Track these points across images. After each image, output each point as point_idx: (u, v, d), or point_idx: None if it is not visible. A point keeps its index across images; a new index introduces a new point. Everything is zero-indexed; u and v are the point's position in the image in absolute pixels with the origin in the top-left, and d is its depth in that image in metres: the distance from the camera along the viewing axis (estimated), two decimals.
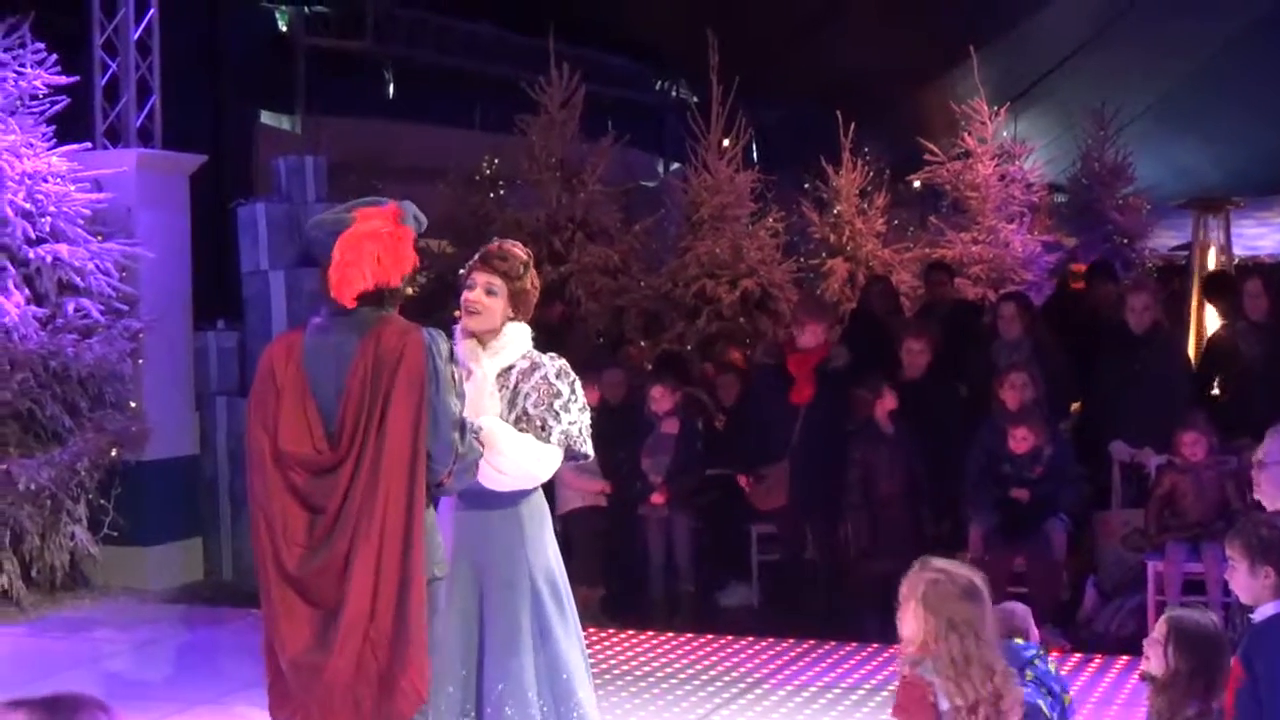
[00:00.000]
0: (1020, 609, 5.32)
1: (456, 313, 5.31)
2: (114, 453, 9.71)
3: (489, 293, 5.18)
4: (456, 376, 4.57)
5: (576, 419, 5.21)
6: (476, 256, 5.26)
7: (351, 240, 4.49)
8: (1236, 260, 14.02)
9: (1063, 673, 5.70)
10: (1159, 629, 4.71)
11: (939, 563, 4.48)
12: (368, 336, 4.45)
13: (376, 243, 4.50)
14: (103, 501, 9.79)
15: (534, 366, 5.21)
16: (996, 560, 8.25)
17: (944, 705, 4.24)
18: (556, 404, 5.15)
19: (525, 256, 5.29)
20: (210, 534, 10.58)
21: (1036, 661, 4.98)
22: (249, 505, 4.55)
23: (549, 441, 5.12)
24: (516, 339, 5.24)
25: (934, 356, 9.46)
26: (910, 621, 4.32)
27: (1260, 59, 21.98)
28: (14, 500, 9.29)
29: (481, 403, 5.06)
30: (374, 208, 4.60)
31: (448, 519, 5.04)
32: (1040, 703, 4.94)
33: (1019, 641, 5.01)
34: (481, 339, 5.21)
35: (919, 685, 4.28)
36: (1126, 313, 9.47)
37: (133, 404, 9.95)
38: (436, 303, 11.45)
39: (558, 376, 5.21)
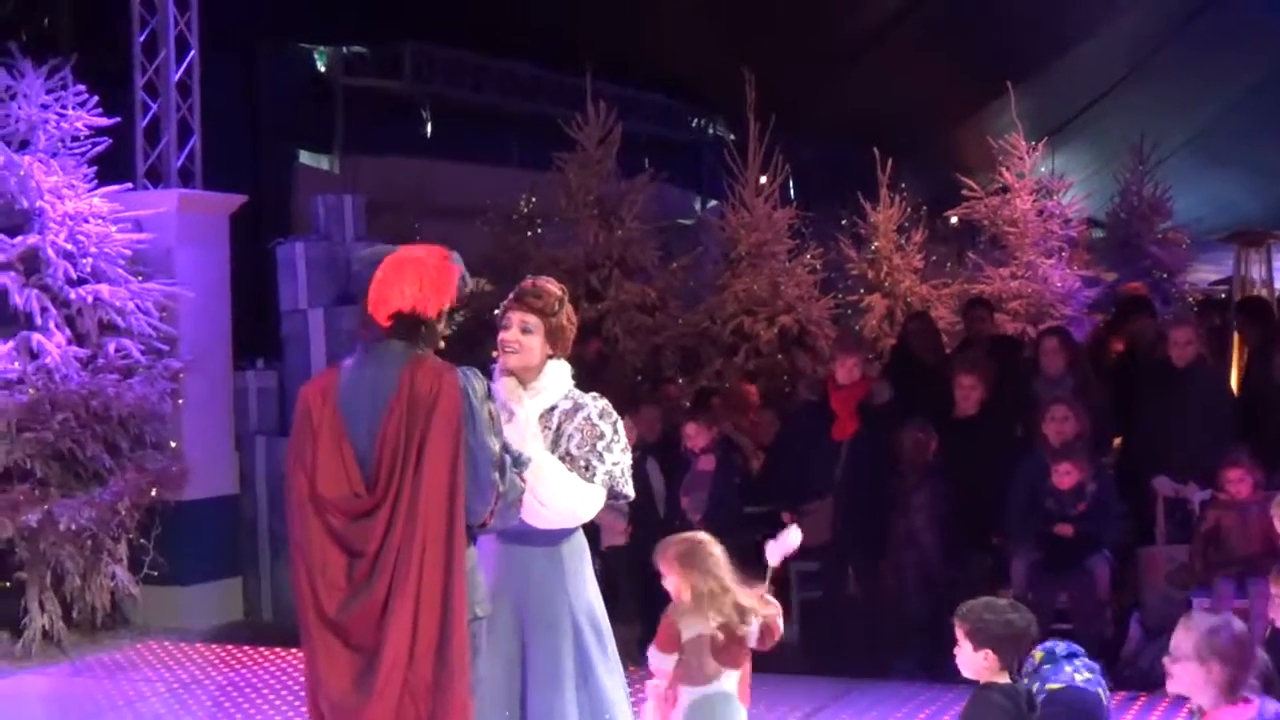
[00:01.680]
0: None
1: (495, 353, 5.29)
2: (154, 493, 9.72)
3: (525, 330, 5.15)
4: (494, 414, 4.54)
5: (619, 460, 5.19)
6: (511, 295, 5.23)
7: (394, 262, 4.50)
8: (1278, 294, 13.91)
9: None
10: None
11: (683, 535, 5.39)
12: (402, 378, 4.41)
13: (419, 268, 4.49)
14: (143, 541, 9.80)
15: (577, 407, 5.18)
16: (1040, 596, 8.16)
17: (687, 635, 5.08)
18: (600, 445, 5.13)
19: (560, 292, 5.26)
20: (250, 574, 10.57)
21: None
22: (289, 547, 4.53)
23: (593, 482, 5.09)
24: (557, 378, 5.21)
25: (986, 393, 9.38)
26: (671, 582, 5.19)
27: None
28: (55, 540, 9.31)
29: (524, 444, 5.02)
30: (423, 245, 4.63)
31: (490, 557, 5.01)
32: (1100, 691, 5.48)
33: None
34: (522, 378, 5.18)
35: (670, 623, 5.09)
36: (1169, 347, 9.40)
37: (173, 444, 9.97)
38: (475, 341, 11.46)
39: (600, 417, 5.18)
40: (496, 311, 5.31)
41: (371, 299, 4.47)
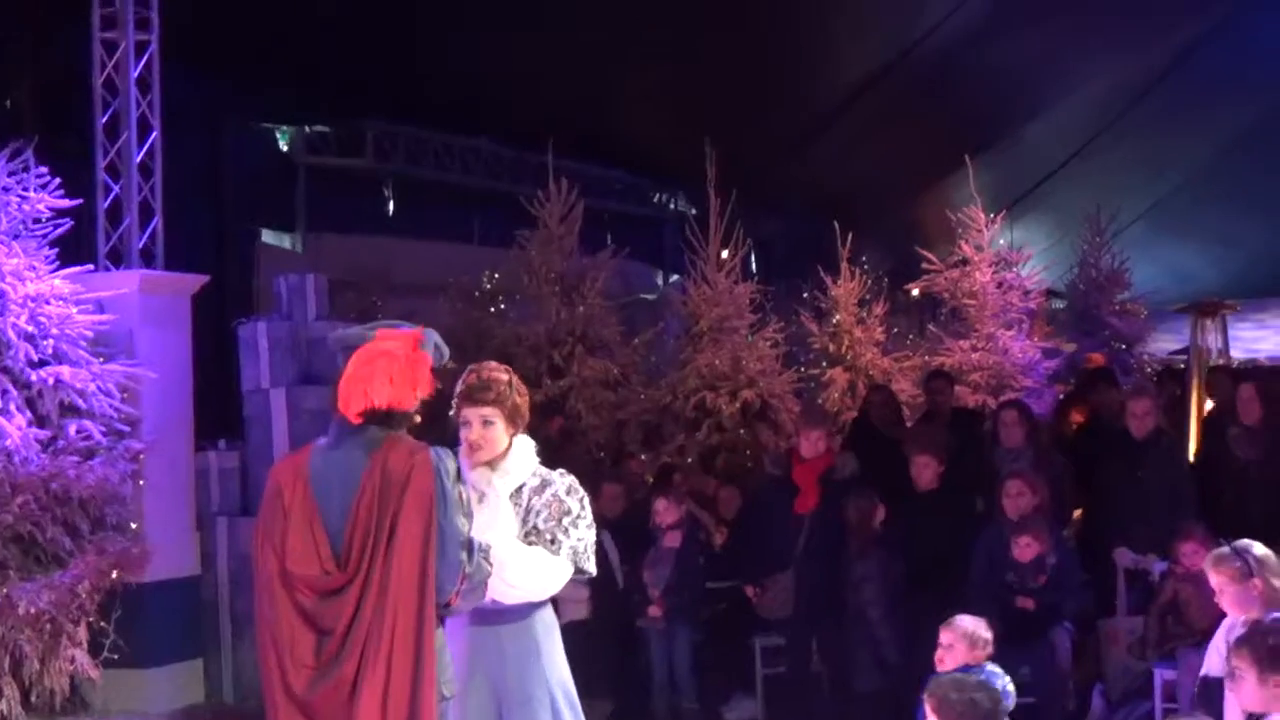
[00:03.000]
0: None
1: (458, 427, 5.34)
2: (115, 574, 9.66)
3: (486, 424, 5.24)
4: (464, 496, 4.60)
5: (584, 536, 5.26)
6: (460, 392, 5.29)
7: (365, 356, 4.54)
8: (1235, 363, 14.05)
9: None
10: None
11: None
12: (375, 456, 4.48)
13: (391, 362, 4.53)
14: (103, 624, 9.73)
15: (545, 483, 5.27)
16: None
17: None
18: (566, 520, 5.21)
19: (506, 375, 5.35)
20: (211, 655, 10.51)
21: None
22: (257, 626, 4.56)
23: (558, 555, 5.15)
24: (523, 456, 5.30)
25: (943, 467, 9.45)
26: None
27: (1252, 165, 22.22)
28: (14, 624, 9.23)
29: (498, 523, 5.09)
30: (396, 330, 4.65)
31: (460, 636, 5.05)
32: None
33: None
34: (490, 463, 5.25)
35: None
36: (1128, 419, 9.49)
37: (134, 525, 9.93)
38: (438, 418, 11.46)
39: (568, 493, 5.27)
40: (450, 414, 5.36)
41: (342, 395, 4.52)
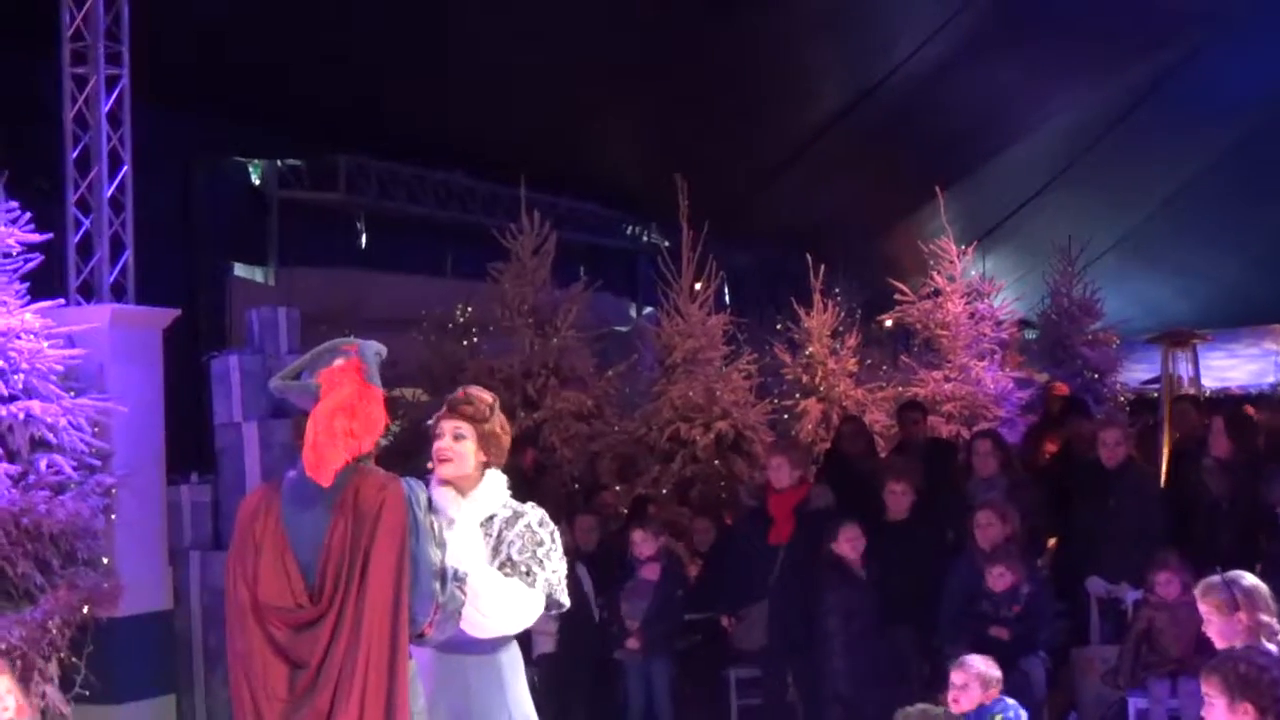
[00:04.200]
0: None
1: (430, 464, 5.35)
2: (86, 610, 9.61)
3: (458, 437, 5.24)
4: (436, 526, 4.61)
5: (557, 568, 5.27)
6: (444, 406, 5.32)
7: (323, 419, 4.51)
8: (1207, 393, 14.14)
9: None
10: None
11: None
12: (347, 489, 4.49)
13: (347, 417, 4.52)
14: (75, 659, 9.67)
15: (517, 515, 5.27)
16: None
17: None
18: (540, 551, 5.21)
19: (491, 400, 5.35)
20: (184, 691, 10.45)
21: None
22: (229, 659, 4.55)
23: (533, 587, 5.15)
24: (494, 488, 5.30)
25: (916, 497, 9.49)
26: None
27: (1222, 195, 22.39)
28: None
29: (465, 551, 5.08)
30: (336, 368, 4.61)
31: (426, 667, 5.04)
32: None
33: None
34: (459, 488, 5.25)
35: None
36: (1099, 448, 9.55)
37: (105, 560, 9.88)
38: (411, 451, 11.46)
39: (540, 525, 5.28)
40: (429, 422, 5.38)
41: (310, 464, 4.50)
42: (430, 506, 4.62)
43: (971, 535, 8.90)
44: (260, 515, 4.56)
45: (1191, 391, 13.01)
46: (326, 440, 4.49)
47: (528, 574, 5.15)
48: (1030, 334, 18.13)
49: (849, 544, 9.04)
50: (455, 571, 4.71)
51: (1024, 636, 8.56)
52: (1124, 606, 9.05)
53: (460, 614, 4.73)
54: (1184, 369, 13.26)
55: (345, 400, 4.54)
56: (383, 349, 4.75)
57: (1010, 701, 7.04)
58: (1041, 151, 21.75)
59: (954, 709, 7.00)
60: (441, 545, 4.62)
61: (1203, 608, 5.64)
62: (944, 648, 8.73)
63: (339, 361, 4.64)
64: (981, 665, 7.08)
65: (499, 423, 5.35)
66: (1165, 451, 11.61)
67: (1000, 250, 21.40)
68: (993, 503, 9.12)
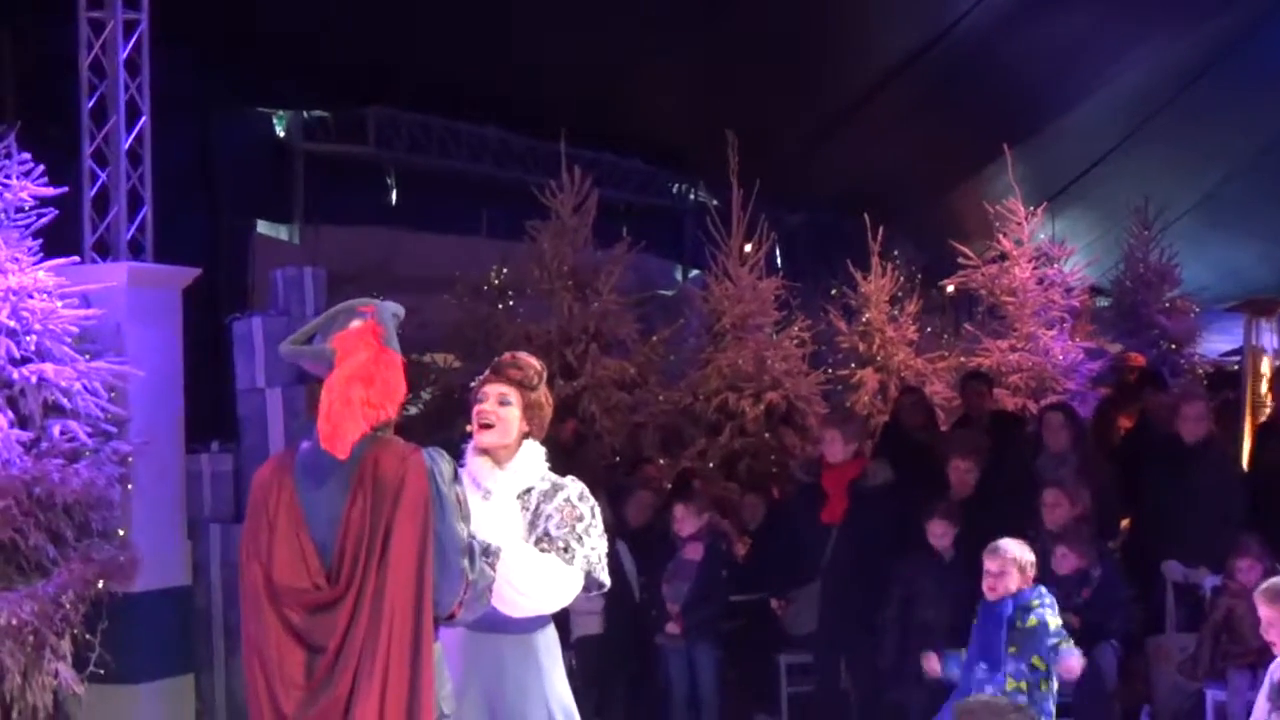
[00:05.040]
0: None
1: (469, 427, 5.32)
2: (101, 584, 9.64)
3: (503, 403, 5.22)
4: (462, 498, 4.55)
5: (597, 545, 5.24)
6: (489, 369, 5.29)
7: (339, 387, 4.44)
8: None
9: None
10: None
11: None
12: (365, 462, 4.42)
13: (365, 385, 4.44)
14: (88, 636, 9.71)
15: (556, 488, 5.25)
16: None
17: None
18: (579, 527, 5.19)
19: (540, 367, 5.34)
20: (203, 671, 10.50)
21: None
22: (243, 643, 4.51)
23: (571, 564, 5.12)
24: (533, 459, 5.28)
25: (982, 473, 9.40)
26: None
27: None
28: None
29: (500, 525, 5.05)
30: (352, 332, 4.53)
31: (456, 646, 5.01)
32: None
33: None
34: (496, 458, 5.22)
35: None
36: (1179, 423, 9.44)
37: (121, 532, 9.91)
38: (443, 420, 11.45)
39: (580, 499, 5.26)
40: (472, 385, 5.36)
41: (325, 435, 4.43)
42: (455, 477, 4.55)
43: (1038, 515, 8.81)
44: (273, 490, 4.50)
45: (1276, 364, 12.84)
46: (343, 410, 4.41)
47: (565, 550, 5.12)
48: (1102, 302, 18.00)
49: (937, 538, 8.93)
50: (488, 546, 4.67)
51: (1094, 624, 8.46)
52: (1202, 592, 8.96)
53: (490, 591, 4.68)
54: (1268, 339, 13.06)
55: (362, 366, 4.47)
56: (400, 310, 4.67)
57: (1043, 590, 7.33)
58: (1116, 107, 21.50)
59: (990, 596, 7.29)
60: (467, 518, 4.57)
61: (1264, 612, 5.56)
62: None
63: (355, 324, 4.56)
64: (1016, 550, 7.35)
65: (545, 394, 5.35)
66: (1248, 429, 11.48)
67: (1071, 212, 21.20)
68: (1061, 481, 9.03)
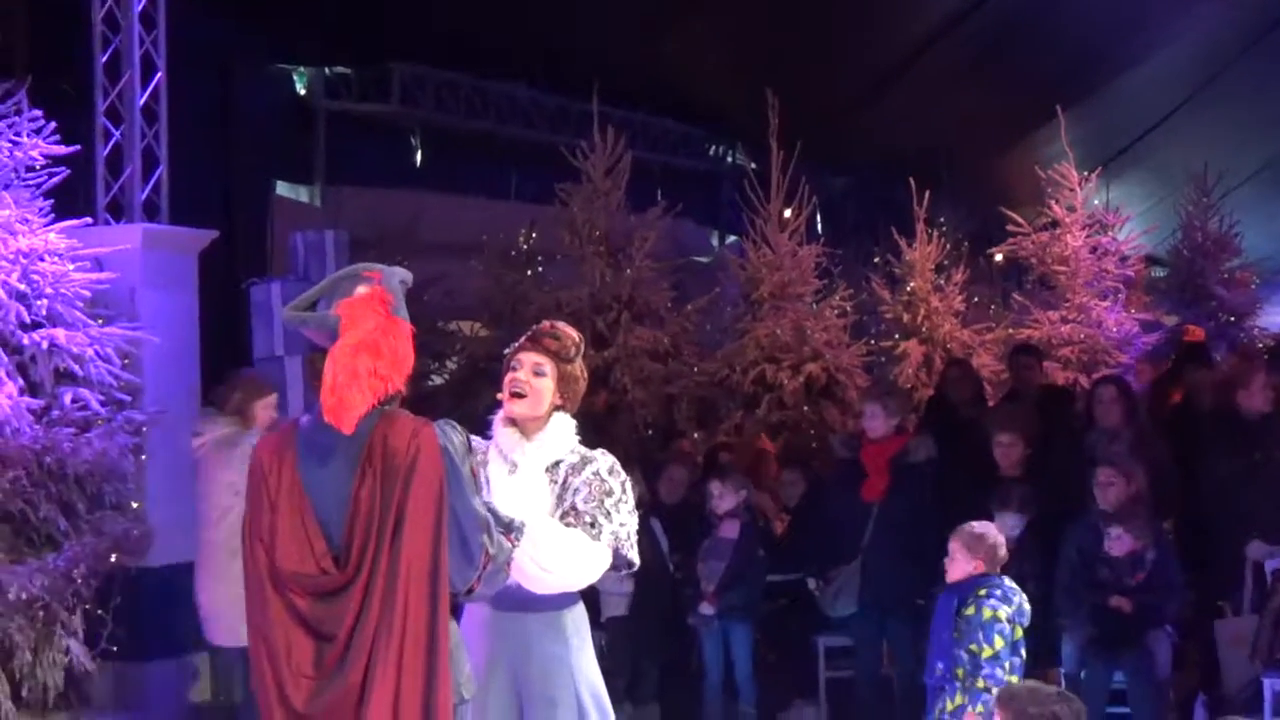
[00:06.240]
0: None
1: (499, 394, 5.31)
2: (114, 558, 9.67)
3: (537, 373, 5.21)
4: (477, 470, 4.52)
5: (626, 521, 5.22)
6: (525, 337, 5.28)
7: (344, 358, 4.36)
8: None
9: None
10: None
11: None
12: (373, 437, 4.34)
13: (372, 356, 4.35)
14: (100, 612, 9.74)
15: (585, 460, 5.24)
16: (1093, 677, 8.12)
17: None
18: (608, 502, 5.17)
19: (578, 338, 5.34)
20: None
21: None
22: (248, 631, 4.43)
23: (598, 540, 5.10)
24: (563, 431, 5.26)
25: (1029, 450, 9.34)
26: None
27: None
28: (3, 611, 9.26)
29: (527, 499, 5.04)
30: (358, 298, 4.45)
31: (480, 624, 5.00)
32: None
33: None
34: (525, 429, 5.21)
35: None
36: (1240, 396, 9.36)
37: (134, 505, 9.94)
38: (469, 391, 11.45)
39: (610, 473, 5.24)
40: (506, 352, 5.35)
41: (329, 408, 4.34)
42: (469, 449, 4.51)
43: (1091, 495, 8.75)
44: (274, 466, 4.41)
45: None
46: (348, 382, 4.33)
47: (592, 525, 5.11)
48: (1158, 272, 17.90)
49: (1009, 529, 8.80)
50: (512, 521, 4.64)
51: (1149, 608, 8.39)
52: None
53: (510, 565, 4.64)
54: None
55: (369, 336, 4.37)
56: (409, 276, 4.56)
57: (1003, 579, 7.17)
58: (1174, 69, 21.34)
59: (949, 578, 7.19)
60: (480, 492, 4.53)
61: None
62: (1059, 620, 8.62)
63: (361, 290, 4.47)
64: (966, 536, 7.19)
65: (580, 367, 5.34)
66: None
67: (1126, 178, 21.10)
68: (1115, 458, 8.96)
